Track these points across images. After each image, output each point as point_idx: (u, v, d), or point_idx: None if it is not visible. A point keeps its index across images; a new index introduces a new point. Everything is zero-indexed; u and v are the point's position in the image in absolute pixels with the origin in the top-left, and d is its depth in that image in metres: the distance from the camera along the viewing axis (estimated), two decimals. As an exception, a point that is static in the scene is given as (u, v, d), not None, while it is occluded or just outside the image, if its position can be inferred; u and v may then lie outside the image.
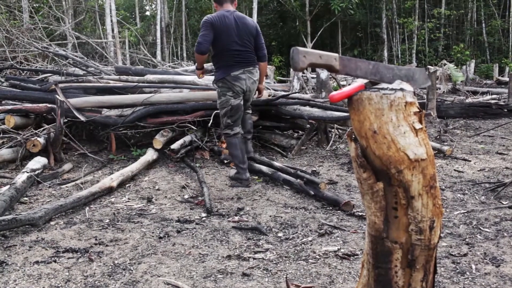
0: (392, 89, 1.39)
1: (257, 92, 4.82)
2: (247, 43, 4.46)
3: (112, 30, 16.69)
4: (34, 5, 17.45)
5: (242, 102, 4.56)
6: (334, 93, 1.44)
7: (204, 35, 4.31)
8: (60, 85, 6.08)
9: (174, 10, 24.94)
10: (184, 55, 23.23)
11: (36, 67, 9.84)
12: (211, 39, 4.33)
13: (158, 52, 20.34)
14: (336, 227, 3.42)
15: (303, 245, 3.10)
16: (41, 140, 5.18)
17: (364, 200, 1.53)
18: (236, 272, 2.68)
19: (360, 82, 1.50)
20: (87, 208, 3.88)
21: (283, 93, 6.86)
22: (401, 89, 1.39)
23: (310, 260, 2.85)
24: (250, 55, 4.51)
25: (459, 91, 13.99)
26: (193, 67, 9.81)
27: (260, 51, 4.57)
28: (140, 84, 6.62)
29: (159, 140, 5.50)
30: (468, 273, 2.65)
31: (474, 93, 13.82)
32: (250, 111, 4.94)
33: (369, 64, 1.51)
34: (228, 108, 4.49)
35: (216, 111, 5.56)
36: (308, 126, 6.36)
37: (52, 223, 3.49)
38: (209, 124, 5.67)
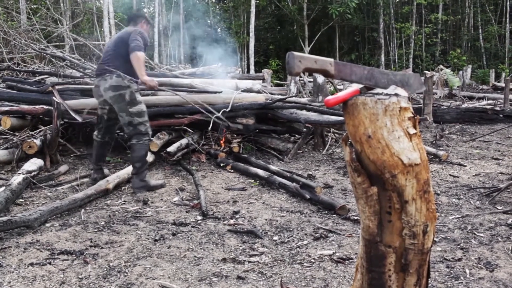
0: (386, 94, 1.40)
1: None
2: (114, 51, 4.45)
3: (110, 32, 16.67)
4: (32, 6, 17.44)
5: (102, 113, 4.55)
6: (329, 97, 1.45)
7: None
8: (57, 87, 6.08)
9: (172, 13, 24.96)
10: (182, 57, 23.23)
11: (33, 68, 9.82)
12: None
13: (156, 55, 20.35)
14: (331, 231, 3.43)
15: (298, 248, 3.11)
16: (37, 141, 5.18)
17: (358, 204, 1.54)
18: (231, 275, 2.68)
19: (355, 87, 1.51)
20: (83, 210, 3.88)
21: (280, 97, 6.88)
22: (396, 95, 1.41)
23: (305, 264, 2.85)
24: (111, 63, 4.41)
25: (455, 96, 14.05)
26: (190, 70, 9.81)
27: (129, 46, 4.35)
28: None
29: (155, 143, 5.49)
30: (462, 277, 2.66)
31: (470, 98, 13.88)
32: (135, 141, 4.42)
33: (364, 69, 1.52)
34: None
35: (215, 115, 5.58)
36: (305, 130, 6.38)
37: (47, 225, 3.49)
38: (209, 127, 5.68)
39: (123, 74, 4.29)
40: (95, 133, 4.68)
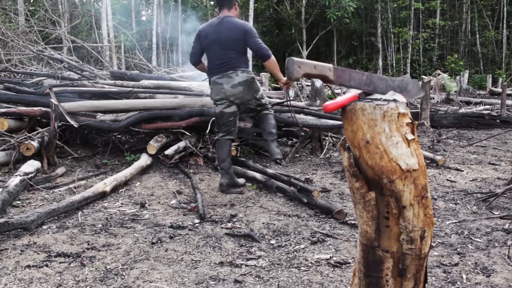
0: (385, 100, 1.41)
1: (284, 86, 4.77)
2: (230, 48, 4.46)
3: (108, 35, 16.67)
4: (30, 8, 17.43)
5: (231, 111, 4.55)
6: (328, 103, 1.45)
7: (192, 47, 4.66)
8: (55, 89, 6.08)
9: (171, 16, 24.98)
10: (180, 60, 23.23)
11: (31, 70, 9.82)
12: (197, 50, 4.63)
13: (154, 57, 20.34)
14: (329, 235, 3.43)
15: (295, 252, 3.11)
16: (35, 143, 5.17)
17: (356, 209, 1.55)
18: (228, 279, 2.68)
19: (354, 92, 1.52)
20: (80, 212, 3.87)
21: (277, 100, 6.88)
22: (394, 100, 1.41)
23: (302, 268, 2.86)
24: (231, 60, 4.47)
25: (452, 101, 14.09)
26: (188, 73, 9.79)
27: (257, 53, 4.48)
28: (135, 89, 6.63)
29: (153, 146, 5.50)
30: (458, 282, 2.66)
31: (468, 103, 13.92)
32: (267, 111, 4.82)
33: (362, 75, 1.53)
34: (215, 113, 4.68)
35: (213, 118, 5.59)
36: (302, 134, 6.38)
37: (44, 227, 3.48)
38: (207, 131, 5.69)
39: (246, 69, 4.55)
40: (221, 136, 4.63)
